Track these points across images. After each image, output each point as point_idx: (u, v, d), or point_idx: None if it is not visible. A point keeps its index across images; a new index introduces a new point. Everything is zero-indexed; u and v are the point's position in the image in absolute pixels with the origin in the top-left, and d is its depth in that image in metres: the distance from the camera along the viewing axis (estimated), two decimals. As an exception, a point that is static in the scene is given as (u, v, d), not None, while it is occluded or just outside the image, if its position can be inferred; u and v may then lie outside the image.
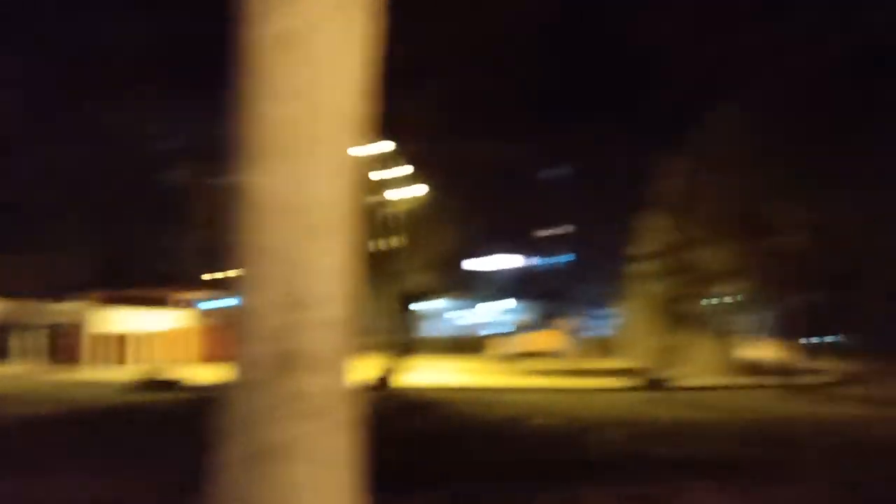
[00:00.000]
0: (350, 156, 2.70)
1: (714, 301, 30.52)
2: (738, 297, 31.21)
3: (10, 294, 27.86)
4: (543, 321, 39.29)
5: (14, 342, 28.77)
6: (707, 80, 26.74)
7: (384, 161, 24.65)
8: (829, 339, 43.50)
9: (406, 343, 23.52)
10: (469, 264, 46.12)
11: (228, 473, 2.56)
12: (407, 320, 24.91)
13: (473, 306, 49.17)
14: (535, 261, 51.38)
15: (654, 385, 22.83)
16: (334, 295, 2.61)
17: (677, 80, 26.47)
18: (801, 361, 31.33)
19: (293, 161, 2.61)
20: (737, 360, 31.71)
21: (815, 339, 41.19)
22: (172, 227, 30.23)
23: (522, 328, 32.11)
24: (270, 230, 2.61)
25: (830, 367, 31.60)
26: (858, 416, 19.70)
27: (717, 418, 18.29)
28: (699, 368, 30.09)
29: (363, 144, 2.75)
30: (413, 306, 26.73)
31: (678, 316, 27.72)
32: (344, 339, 2.65)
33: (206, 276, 35.14)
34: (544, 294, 48.03)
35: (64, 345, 29.14)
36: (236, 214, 2.65)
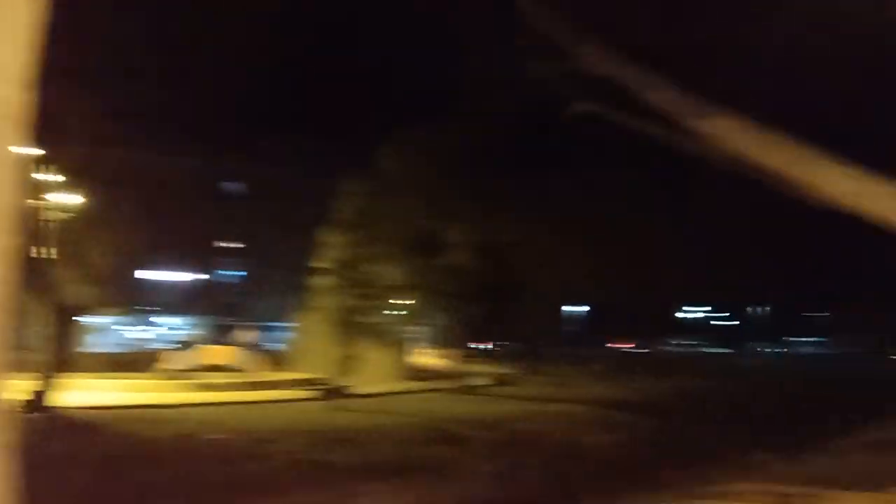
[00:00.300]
0: (6, 152, 2.38)
1: (388, 313, 31.91)
2: (411, 309, 32.98)
3: None
4: (219, 335, 38.13)
5: None
6: (392, 107, 28.12)
7: (38, 165, 22.29)
8: (489, 345, 47.84)
9: (64, 359, 21.33)
10: (141, 277, 43.32)
11: None
12: (65, 335, 22.62)
13: (145, 320, 46.22)
14: (212, 275, 49.76)
15: (333, 394, 23.18)
16: None
17: (363, 103, 27.49)
18: (466, 366, 33.93)
19: None
20: (409, 367, 33.42)
21: (478, 346, 45.01)
22: None
23: (198, 342, 30.80)
24: None
25: (491, 371, 34.62)
26: (513, 412, 21.83)
27: (394, 422, 19.13)
28: (375, 376, 31.23)
29: (23, 141, 2.42)
30: (73, 320, 24.39)
31: (354, 327, 28.52)
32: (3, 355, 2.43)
33: None
34: (220, 308, 46.61)
35: None
36: None
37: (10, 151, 2.38)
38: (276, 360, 36.06)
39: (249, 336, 31.96)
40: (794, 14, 7.65)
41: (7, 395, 2.51)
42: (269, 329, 43.96)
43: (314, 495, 11.90)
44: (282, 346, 37.60)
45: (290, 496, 11.82)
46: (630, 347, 57.92)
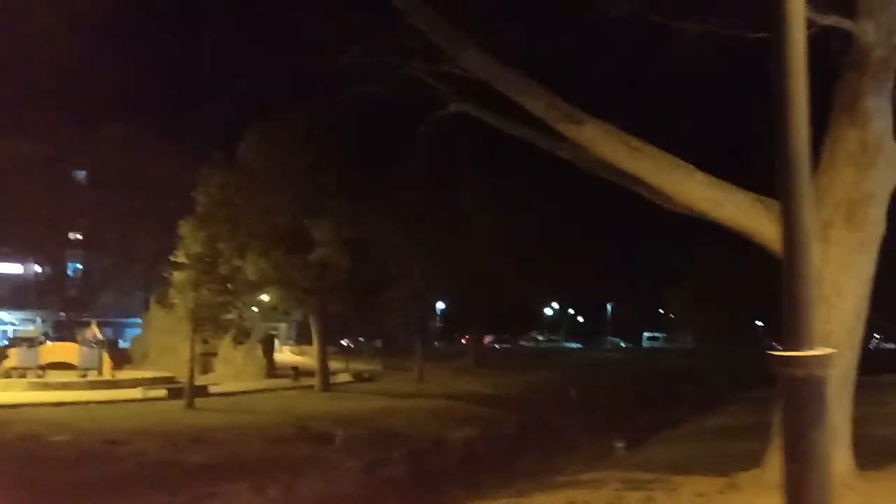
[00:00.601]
0: None
1: (248, 309, 31.16)
2: (271, 306, 32.36)
3: None
4: (61, 331, 35.97)
5: None
6: (258, 97, 27.36)
7: None
8: (352, 342, 47.67)
9: None
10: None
11: None
12: None
13: None
14: (51, 268, 46.60)
15: (189, 392, 22.43)
16: None
17: (226, 93, 26.58)
18: (329, 363, 33.66)
19: None
20: (270, 365, 32.81)
21: (341, 343, 44.72)
22: None
23: (36, 339, 28.86)
24: None
25: (353, 367, 34.54)
26: (375, 408, 21.90)
27: (253, 421, 18.70)
28: (234, 374, 30.49)
29: None
30: None
31: (212, 323, 27.67)
32: None
33: None
34: (65, 303, 43.97)
35: None
36: None
37: None
38: (128, 357, 34.50)
39: (97, 333, 30.27)
40: (663, 33, 8.06)
41: None
42: (120, 325, 41.96)
43: (166, 497, 11.54)
44: (132, 343, 35.99)
45: (140, 499, 11.42)
46: (490, 342, 59.31)
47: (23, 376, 25.55)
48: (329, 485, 11.20)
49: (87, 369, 27.44)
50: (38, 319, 39.85)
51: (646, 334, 74.22)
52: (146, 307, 34.78)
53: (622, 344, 71.26)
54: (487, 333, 55.71)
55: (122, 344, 37.47)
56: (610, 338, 72.56)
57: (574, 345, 68.68)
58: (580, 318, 79.92)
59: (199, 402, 21.78)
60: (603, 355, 55.14)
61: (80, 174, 46.31)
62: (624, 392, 26.03)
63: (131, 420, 18.67)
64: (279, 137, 26.78)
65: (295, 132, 26.49)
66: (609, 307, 76.86)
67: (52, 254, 45.09)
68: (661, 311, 70.34)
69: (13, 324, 42.43)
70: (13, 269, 44.88)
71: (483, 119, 9.75)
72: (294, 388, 28.09)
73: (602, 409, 20.18)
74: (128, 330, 41.06)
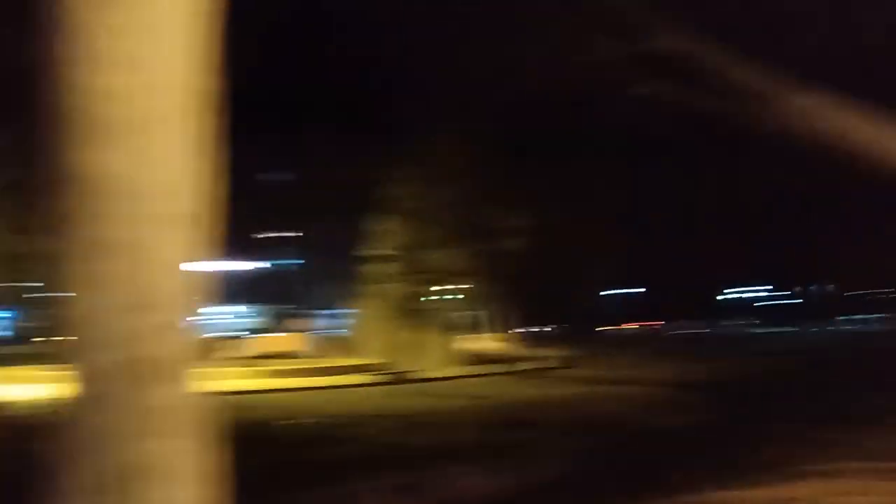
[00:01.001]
0: (197, 135, 2.49)
1: (444, 298, 32.13)
2: (467, 294, 33.19)
3: None
4: (277, 323, 38.82)
5: None
6: (437, 94, 28.12)
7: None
8: (545, 328, 47.93)
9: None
10: (203, 268, 44.08)
11: (76, 501, 2.30)
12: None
13: (201, 311, 47.07)
14: (264, 264, 50.60)
15: (397, 379, 23.52)
16: (181, 294, 2.48)
17: (407, 91, 27.57)
18: (523, 350, 34.01)
19: (132, 140, 2.35)
20: (467, 352, 33.64)
21: (533, 329, 45.11)
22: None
23: (256, 331, 31.36)
24: (110, 219, 2.34)
25: (548, 354, 34.67)
26: (578, 394, 21.88)
27: (463, 405, 19.29)
28: (435, 361, 31.50)
29: (209, 125, 2.53)
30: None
31: (413, 312, 28.79)
32: (189, 344, 2.52)
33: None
34: (276, 296, 47.39)
35: None
36: (68, 203, 2.35)
37: (196, 137, 2.49)
38: (336, 346, 36.65)
39: (310, 323, 32.47)
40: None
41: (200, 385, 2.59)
42: (329, 316, 44.57)
43: (397, 476, 12.11)
44: (342, 333, 38.14)
45: (373, 478, 12.02)
46: (685, 327, 57.51)
47: (245, 365, 27.83)
48: (553, 469, 11.30)
49: (302, 358, 29.45)
50: (259, 312, 43.24)
51: (859, 316, 68.80)
52: (352, 298, 36.68)
53: (831, 327, 66.51)
54: (680, 318, 54.14)
55: (331, 333, 39.81)
56: (816, 321, 67.94)
57: (775, 329, 64.99)
58: (781, 302, 75.53)
59: (408, 387, 22.76)
60: (807, 340, 51.76)
61: (277, 174, 49.48)
62: (835, 376, 24.09)
63: (348, 405, 19.84)
64: (461, 132, 27.33)
65: (476, 127, 26.93)
66: (820, 289, 71.90)
67: (266, 251, 48.78)
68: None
69: (236, 316, 46.34)
70: (231, 265, 48.95)
71: (678, 98, 9.39)
72: (494, 374, 28.62)
73: (816, 395, 18.88)
74: (336, 320, 43.48)
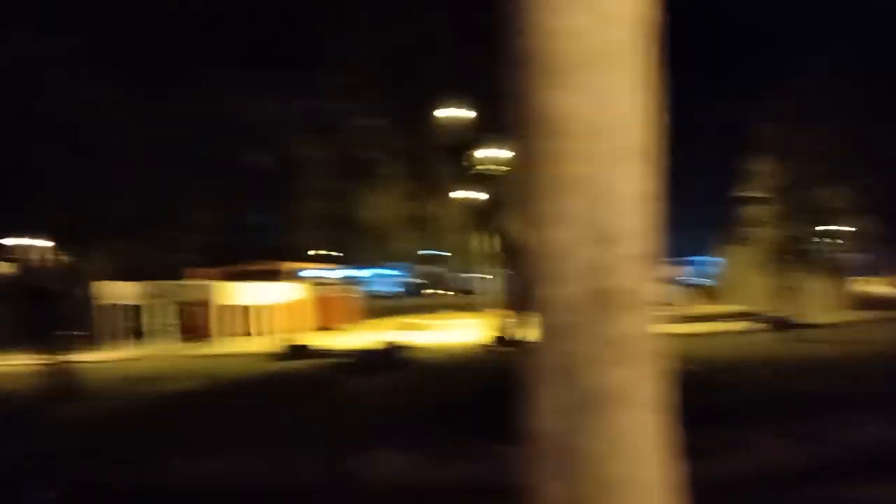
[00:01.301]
0: (645, 69, 2.52)
1: (828, 239, 29.91)
2: (853, 235, 30.50)
3: (137, 275, 29.17)
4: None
5: (146, 321, 30.15)
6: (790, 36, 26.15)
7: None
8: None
9: (524, 297, 23.70)
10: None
11: (547, 423, 2.47)
12: (520, 275, 25.10)
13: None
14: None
15: (779, 324, 22.66)
16: (640, 227, 2.49)
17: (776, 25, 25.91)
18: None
19: (588, 77, 2.44)
20: (853, 296, 31.12)
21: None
22: (275, 202, 30.96)
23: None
24: (572, 156, 2.44)
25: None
26: None
27: (853, 352, 18.09)
28: (817, 306, 29.67)
29: (655, 55, 2.56)
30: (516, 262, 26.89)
31: (792, 256, 27.30)
32: (651, 276, 2.53)
33: (311, 251, 36.25)
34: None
35: (192, 321, 30.35)
36: (535, 144, 2.50)
37: (646, 70, 2.53)
38: (705, 294, 36.10)
39: (676, 271, 32.36)
40: None
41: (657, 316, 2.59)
42: (694, 264, 43.92)
43: (797, 423, 11.89)
44: (709, 280, 37.48)
45: (774, 425, 11.92)
46: None
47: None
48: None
49: (674, 305, 29.54)
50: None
51: None
52: (720, 245, 35.77)
53: None
54: None
55: (697, 281, 39.30)
56: None
57: None
58: None
59: (790, 333, 21.84)
60: None
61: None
62: None
63: (732, 351, 19.63)
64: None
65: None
66: None
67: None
68: None
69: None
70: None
71: None
72: (882, 320, 26.15)
73: None
74: (701, 268, 42.75)
